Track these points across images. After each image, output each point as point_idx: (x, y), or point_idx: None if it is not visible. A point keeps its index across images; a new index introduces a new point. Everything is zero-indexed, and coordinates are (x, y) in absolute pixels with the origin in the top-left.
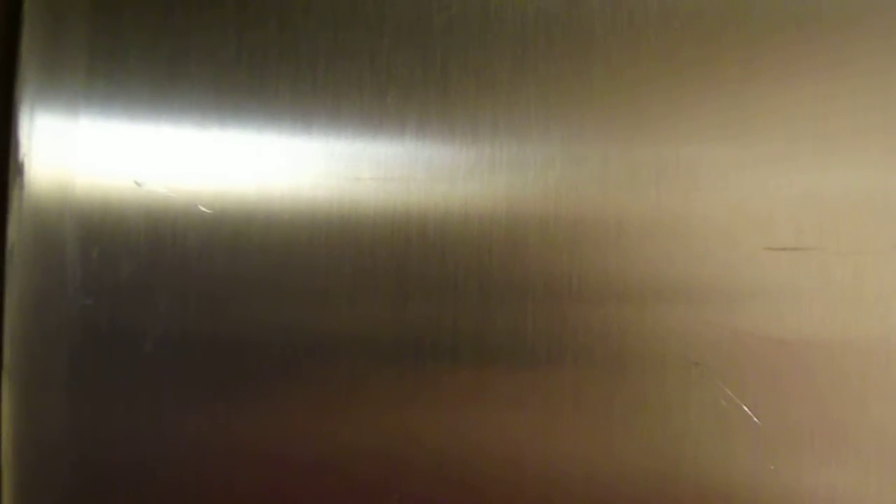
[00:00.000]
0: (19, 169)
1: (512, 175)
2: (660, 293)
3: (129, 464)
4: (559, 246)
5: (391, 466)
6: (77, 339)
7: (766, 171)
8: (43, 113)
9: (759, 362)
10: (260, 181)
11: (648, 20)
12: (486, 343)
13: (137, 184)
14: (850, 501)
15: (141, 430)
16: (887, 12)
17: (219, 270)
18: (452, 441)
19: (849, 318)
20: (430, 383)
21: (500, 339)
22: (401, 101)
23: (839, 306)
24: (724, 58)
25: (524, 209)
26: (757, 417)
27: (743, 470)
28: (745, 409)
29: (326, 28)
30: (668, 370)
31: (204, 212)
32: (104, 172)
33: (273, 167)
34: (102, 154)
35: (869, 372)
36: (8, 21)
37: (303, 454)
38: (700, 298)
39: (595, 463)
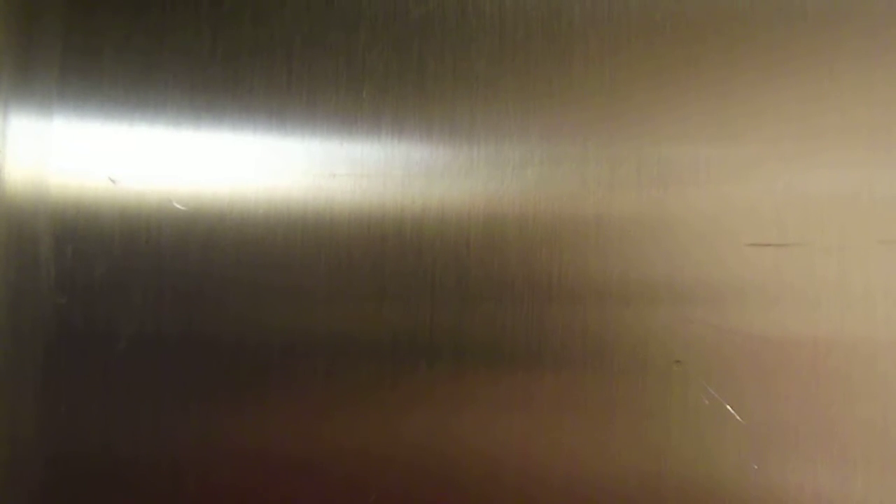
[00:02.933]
0: None
1: (490, 171)
2: (641, 290)
3: (102, 461)
4: (538, 243)
5: (368, 464)
6: (51, 336)
7: (749, 167)
8: (17, 111)
9: (742, 360)
10: (234, 178)
11: (629, 13)
12: (465, 341)
13: (112, 181)
14: (836, 500)
15: (115, 428)
16: (870, 12)
17: (193, 268)
18: (430, 439)
19: (834, 315)
20: (407, 382)
21: (478, 337)
22: (377, 96)
23: (824, 303)
24: (707, 56)
25: (502, 206)
26: (740, 416)
27: (727, 469)
28: (729, 407)
29: (301, 23)
30: (650, 368)
31: (178, 209)
32: (78, 170)
33: (248, 164)
34: (77, 152)
35: (854, 369)
36: None
37: (279, 451)
38: (682, 295)
39: (576, 461)
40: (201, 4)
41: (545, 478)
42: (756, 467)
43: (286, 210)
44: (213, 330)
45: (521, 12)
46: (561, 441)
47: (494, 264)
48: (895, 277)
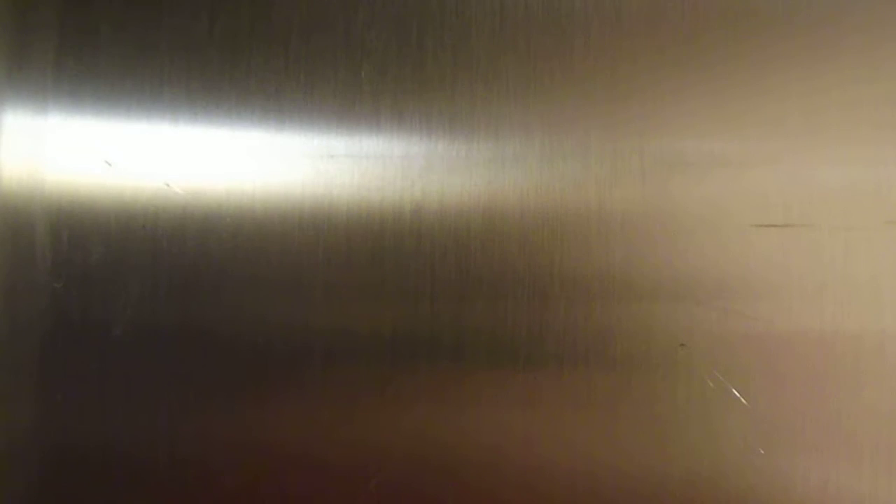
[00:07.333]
0: None
1: (491, 158)
2: (644, 276)
3: (99, 450)
4: (540, 231)
5: (368, 455)
6: (47, 322)
7: (753, 149)
8: (12, 95)
9: (748, 343)
10: (232, 161)
11: (632, 2)
12: (466, 331)
13: (108, 164)
14: (843, 486)
15: (111, 415)
16: (873, 6)
17: (190, 252)
18: (431, 430)
19: (841, 297)
20: (407, 372)
21: (479, 325)
22: (375, 77)
23: (830, 284)
24: (711, 45)
25: (504, 194)
26: (746, 399)
27: (732, 453)
28: (734, 391)
29: (299, 4)
30: (654, 351)
31: (176, 192)
32: (74, 154)
33: (245, 146)
34: (72, 136)
35: (862, 353)
36: None
37: (277, 442)
38: (686, 279)
39: (580, 447)
40: None
41: (548, 464)
42: (762, 452)
43: (284, 194)
44: (210, 314)
45: None
46: (565, 428)
47: (495, 250)
48: None
